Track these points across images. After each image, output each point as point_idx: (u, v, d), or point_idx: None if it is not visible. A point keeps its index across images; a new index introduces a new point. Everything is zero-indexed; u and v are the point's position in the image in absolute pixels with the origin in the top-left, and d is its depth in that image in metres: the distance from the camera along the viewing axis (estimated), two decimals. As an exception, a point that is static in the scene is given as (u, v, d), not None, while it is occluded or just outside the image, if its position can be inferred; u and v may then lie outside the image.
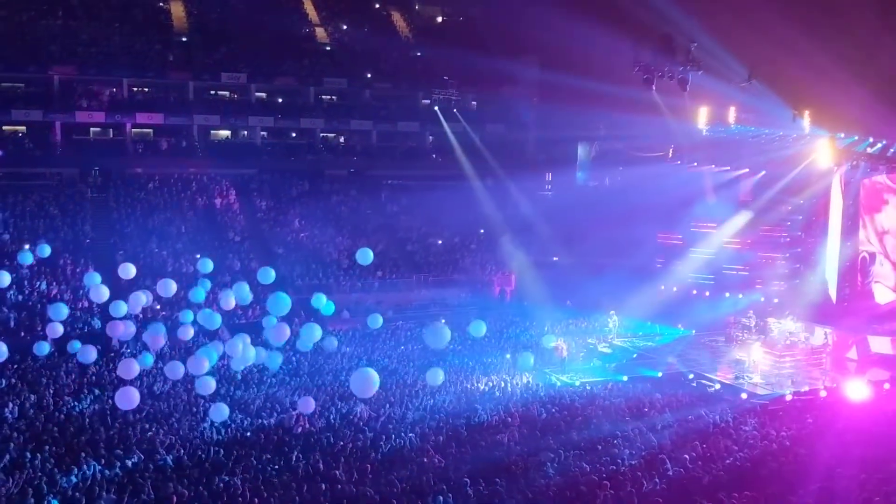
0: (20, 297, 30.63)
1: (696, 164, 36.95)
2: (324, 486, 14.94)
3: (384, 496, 14.25)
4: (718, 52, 29.12)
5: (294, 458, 17.02)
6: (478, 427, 19.73)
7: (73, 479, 15.54)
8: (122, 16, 45.96)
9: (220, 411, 18.90)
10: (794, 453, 16.57)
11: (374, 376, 15.83)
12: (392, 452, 17.65)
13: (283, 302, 19.75)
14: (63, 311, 21.97)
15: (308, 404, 19.55)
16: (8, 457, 16.75)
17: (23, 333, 28.31)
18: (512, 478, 15.30)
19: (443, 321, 34.29)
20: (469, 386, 24.80)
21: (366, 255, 23.11)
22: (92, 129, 43.29)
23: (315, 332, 20.69)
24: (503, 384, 25.29)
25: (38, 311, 29.61)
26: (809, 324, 29.85)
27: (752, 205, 35.79)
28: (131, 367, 19.10)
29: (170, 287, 21.78)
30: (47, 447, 17.41)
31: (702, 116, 31.63)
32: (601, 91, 34.64)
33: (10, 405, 20.83)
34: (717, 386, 25.49)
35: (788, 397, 23.83)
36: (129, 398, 17.60)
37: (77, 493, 14.84)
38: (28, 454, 16.82)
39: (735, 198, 37.04)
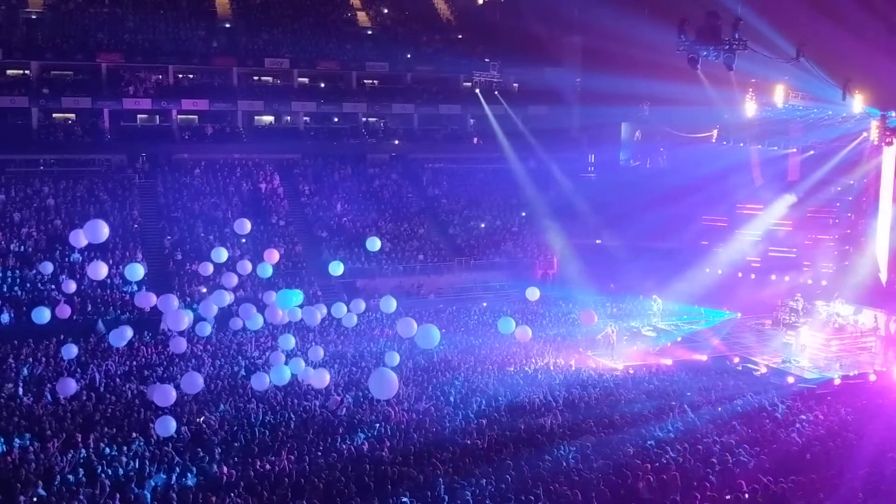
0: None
1: (742, 144, 36.34)
2: (368, 467, 15.12)
3: (427, 477, 14.37)
4: (765, 30, 28.53)
5: (339, 440, 17.24)
6: (520, 410, 19.76)
7: (124, 458, 15.94)
8: (167, 3, 46.57)
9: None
10: (843, 438, 16.32)
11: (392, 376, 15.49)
12: (435, 435, 17.77)
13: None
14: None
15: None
16: (62, 437, 17.23)
17: (74, 317, 28.98)
18: (555, 461, 15.32)
19: (485, 304, 34.65)
20: (511, 369, 24.82)
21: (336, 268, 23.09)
22: (139, 115, 43.96)
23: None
24: (547, 367, 25.28)
25: (90, 295, 30.33)
26: (859, 306, 29.29)
27: (800, 185, 35.12)
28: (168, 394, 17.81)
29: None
30: (99, 428, 17.86)
31: (748, 96, 31.08)
32: (645, 71, 34.21)
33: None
34: (764, 370, 25.20)
35: (837, 381, 23.43)
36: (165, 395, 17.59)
37: (128, 473, 15.23)
38: (80, 434, 17.27)
39: (782, 178, 36.38)
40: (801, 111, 31.43)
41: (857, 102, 28.24)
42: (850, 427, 17.44)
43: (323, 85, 47.63)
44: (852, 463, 14.40)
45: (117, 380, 22.47)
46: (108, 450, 16.51)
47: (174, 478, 14.97)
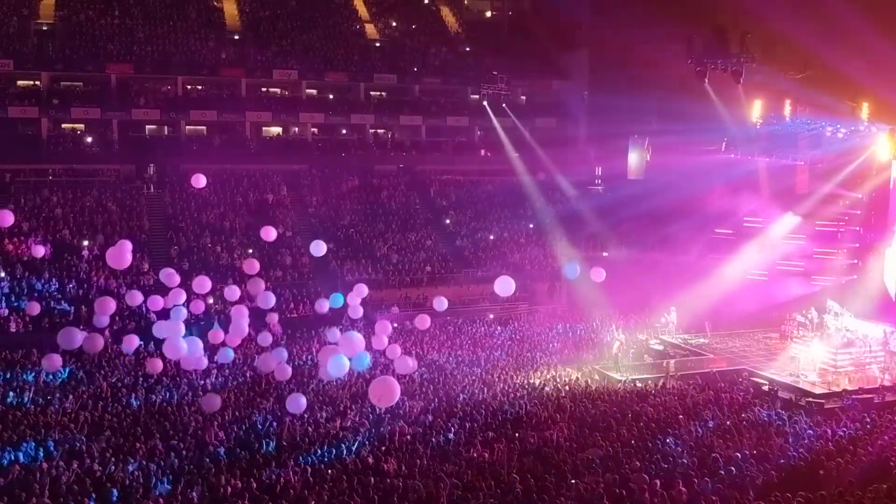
0: (80, 291, 31.45)
1: (750, 157, 36.25)
2: (373, 480, 15.06)
3: (432, 491, 14.29)
4: (773, 43, 28.55)
5: (344, 452, 17.18)
6: (527, 423, 19.68)
7: (130, 468, 15.91)
8: (177, 14, 46.86)
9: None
10: (852, 453, 16.20)
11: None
12: (441, 447, 17.69)
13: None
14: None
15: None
16: (67, 446, 17.22)
17: (81, 326, 28.99)
18: (561, 474, 15.22)
19: (491, 316, 34.62)
20: (518, 381, 24.76)
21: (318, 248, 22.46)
22: (147, 126, 44.18)
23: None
24: (553, 380, 25.21)
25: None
26: (868, 321, 29.11)
27: (809, 199, 34.95)
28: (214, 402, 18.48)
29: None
30: (105, 438, 17.84)
31: (756, 109, 31.03)
32: (653, 84, 34.20)
33: (70, 397, 21.42)
34: (771, 384, 25.00)
35: (846, 396, 23.25)
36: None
37: (133, 483, 15.19)
38: (85, 444, 17.26)
39: (790, 191, 36.24)
40: (809, 124, 31.36)
41: (866, 116, 28.18)
42: (860, 442, 17.31)
43: (331, 96, 47.80)
44: (862, 478, 14.27)
45: (123, 390, 22.46)
46: (113, 460, 16.49)
47: (179, 489, 14.92)
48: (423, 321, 21.82)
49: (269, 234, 22.26)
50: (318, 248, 22.18)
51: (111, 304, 19.02)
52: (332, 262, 37.15)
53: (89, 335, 17.80)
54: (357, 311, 21.87)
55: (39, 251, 26.50)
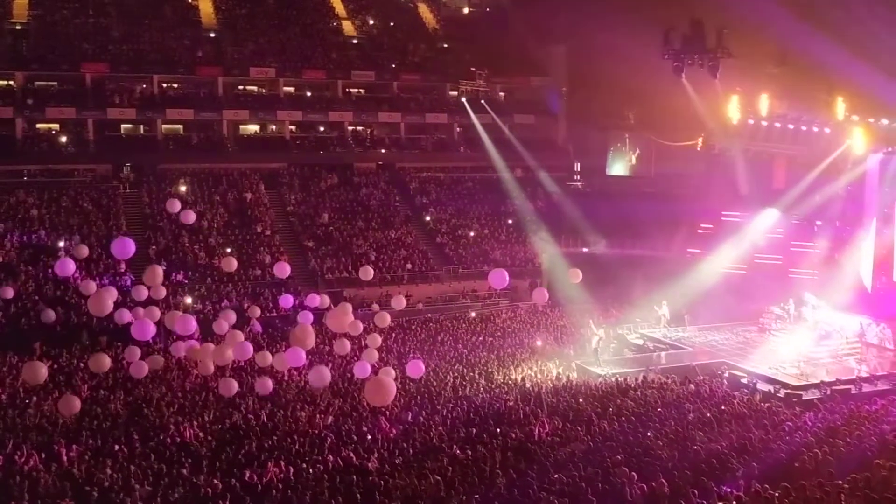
0: (58, 293, 31.11)
1: (727, 152, 36.46)
2: (355, 478, 15.00)
3: (415, 488, 14.26)
4: (749, 39, 28.72)
5: (326, 451, 17.09)
6: (509, 418, 19.68)
7: (109, 471, 15.74)
8: (153, 13, 46.52)
9: None
10: (831, 444, 16.32)
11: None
12: (423, 445, 17.65)
13: None
14: None
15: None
16: (46, 450, 17.02)
17: (58, 328, 28.73)
18: (543, 469, 15.24)
19: (473, 314, 34.63)
20: (500, 377, 24.77)
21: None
22: (123, 125, 43.79)
23: None
24: (534, 375, 25.24)
25: (74, 307, 30.04)
26: (845, 313, 29.36)
27: (787, 192, 35.22)
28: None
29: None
30: (83, 440, 17.66)
31: (733, 103, 31.21)
32: (631, 79, 34.31)
33: (50, 399, 21.18)
34: (750, 377, 25.15)
35: (824, 388, 23.44)
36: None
37: (113, 486, 15.04)
38: (65, 447, 17.07)
39: (768, 186, 36.49)
40: (786, 119, 31.54)
41: (842, 110, 28.38)
42: (838, 432, 17.46)
43: (309, 94, 47.61)
44: (840, 468, 14.38)
45: (102, 391, 22.24)
46: (92, 462, 16.32)
47: (160, 490, 14.78)
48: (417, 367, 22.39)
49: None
50: (283, 270, 23.07)
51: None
52: (311, 260, 37.03)
53: (66, 397, 18.49)
54: (308, 318, 23.20)
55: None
